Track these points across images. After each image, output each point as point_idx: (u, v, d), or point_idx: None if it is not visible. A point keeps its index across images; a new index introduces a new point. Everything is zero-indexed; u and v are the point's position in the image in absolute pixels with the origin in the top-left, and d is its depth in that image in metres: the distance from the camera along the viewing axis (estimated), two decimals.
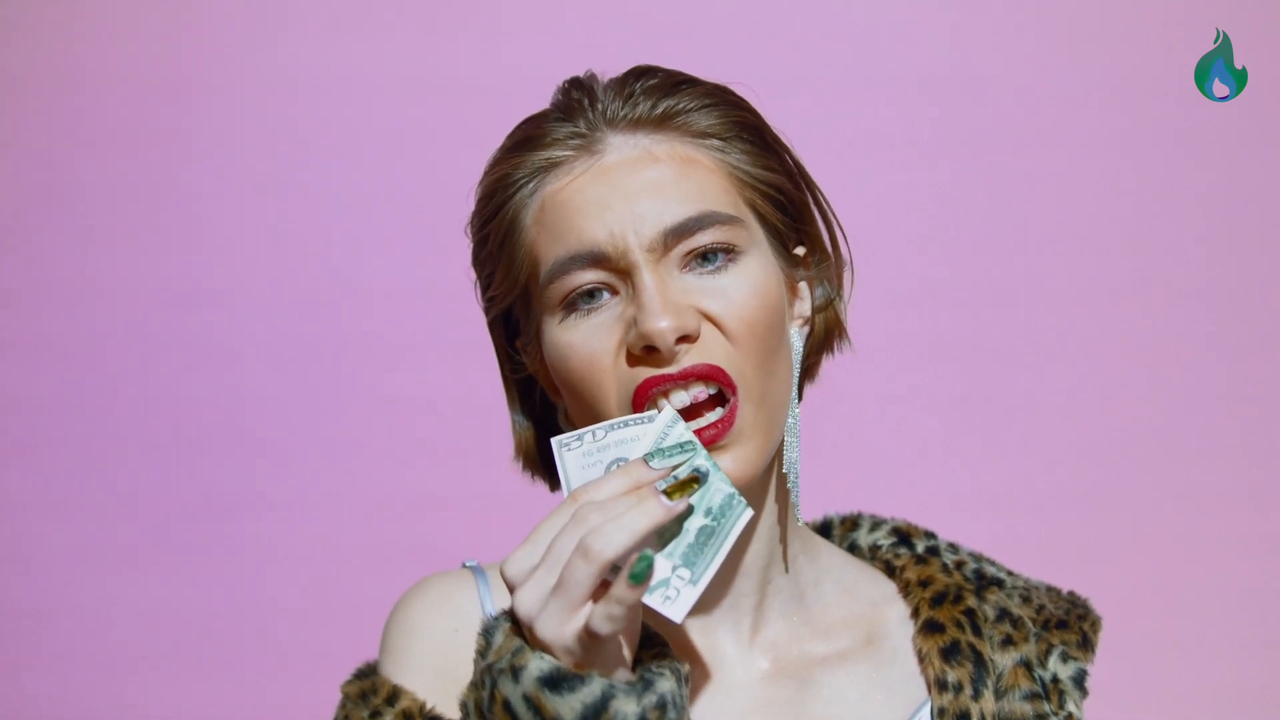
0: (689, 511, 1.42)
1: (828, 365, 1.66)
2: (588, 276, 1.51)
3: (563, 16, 2.75)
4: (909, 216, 2.76)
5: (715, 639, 1.61)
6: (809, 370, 1.64)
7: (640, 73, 1.58)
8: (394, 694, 1.54)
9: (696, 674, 1.59)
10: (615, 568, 1.37)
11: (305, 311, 2.75)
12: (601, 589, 1.38)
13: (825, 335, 1.63)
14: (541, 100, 1.61)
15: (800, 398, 1.60)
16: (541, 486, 1.67)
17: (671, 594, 1.40)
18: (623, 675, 1.39)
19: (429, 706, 1.53)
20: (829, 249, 1.63)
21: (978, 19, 2.77)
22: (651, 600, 1.40)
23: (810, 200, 1.61)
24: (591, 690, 1.36)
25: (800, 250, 1.60)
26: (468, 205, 1.62)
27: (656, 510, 1.38)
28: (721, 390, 1.50)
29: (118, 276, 2.76)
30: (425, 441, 2.73)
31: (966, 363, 2.75)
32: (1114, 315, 2.76)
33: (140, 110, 2.76)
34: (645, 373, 1.49)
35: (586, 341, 1.51)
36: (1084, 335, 2.76)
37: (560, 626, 1.37)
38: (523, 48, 2.74)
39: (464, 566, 1.63)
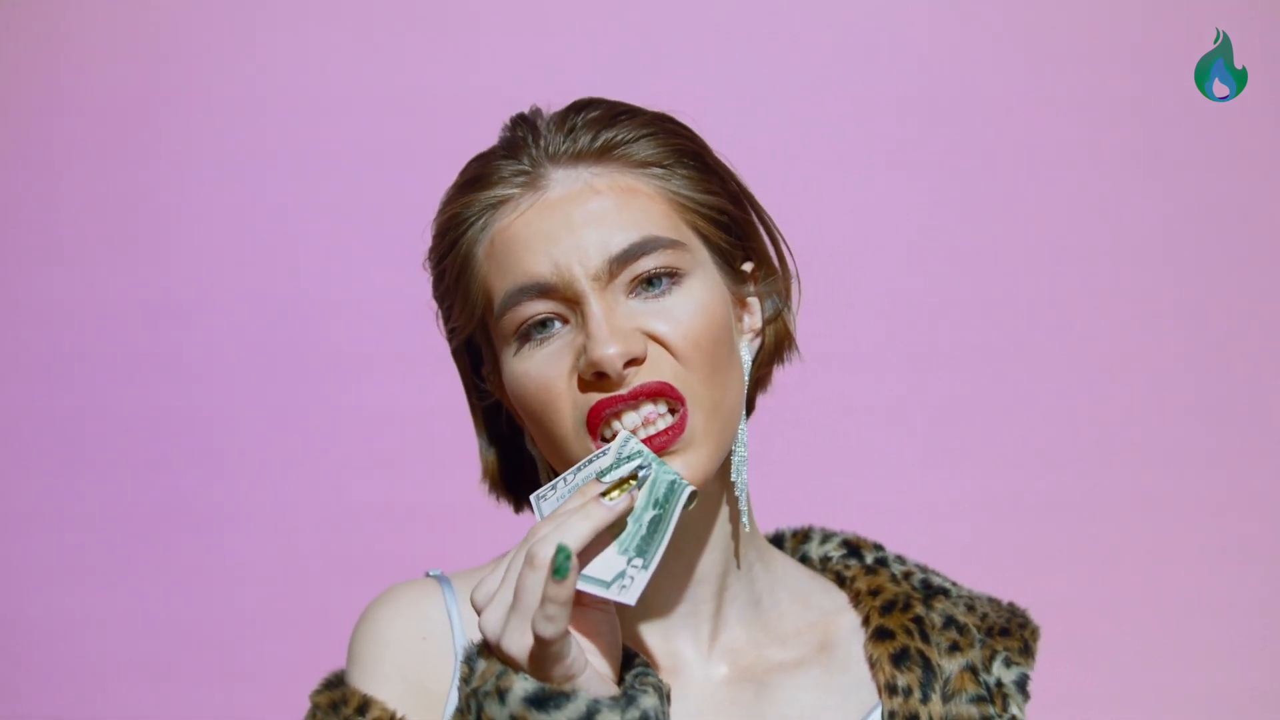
0: (631, 508, 1.48)
1: (786, 376, 1.70)
2: (538, 307, 1.57)
3: (532, 38, 2.78)
4: (899, 221, 2.78)
5: (675, 645, 1.66)
6: (760, 380, 1.69)
7: (581, 106, 1.63)
8: (364, 704, 1.59)
9: None
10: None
11: (270, 324, 2.77)
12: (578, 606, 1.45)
13: (775, 346, 1.68)
14: (506, 113, 1.66)
15: (751, 409, 1.65)
16: (498, 498, 1.73)
17: (626, 583, 1.46)
18: (606, 691, 1.44)
19: (399, 716, 1.58)
20: (775, 264, 1.67)
21: (977, 17, 2.78)
22: (610, 593, 1.46)
23: (754, 218, 1.66)
24: (576, 707, 1.42)
25: (748, 266, 1.65)
26: (432, 219, 1.67)
27: (596, 511, 1.45)
28: (671, 404, 1.55)
29: (85, 292, 2.79)
30: (389, 453, 2.76)
31: (936, 373, 2.76)
32: (1108, 319, 2.76)
33: (108, 125, 2.79)
34: (596, 396, 1.54)
35: (540, 370, 1.57)
36: (1071, 342, 2.77)
37: (522, 640, 1.43)
38: (490, 67, 2.76)
39: (428, 575, 1.68)
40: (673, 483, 1.49)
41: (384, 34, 2.78)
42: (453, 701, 1.59)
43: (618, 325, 1.54)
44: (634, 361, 1.54)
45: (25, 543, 2.80)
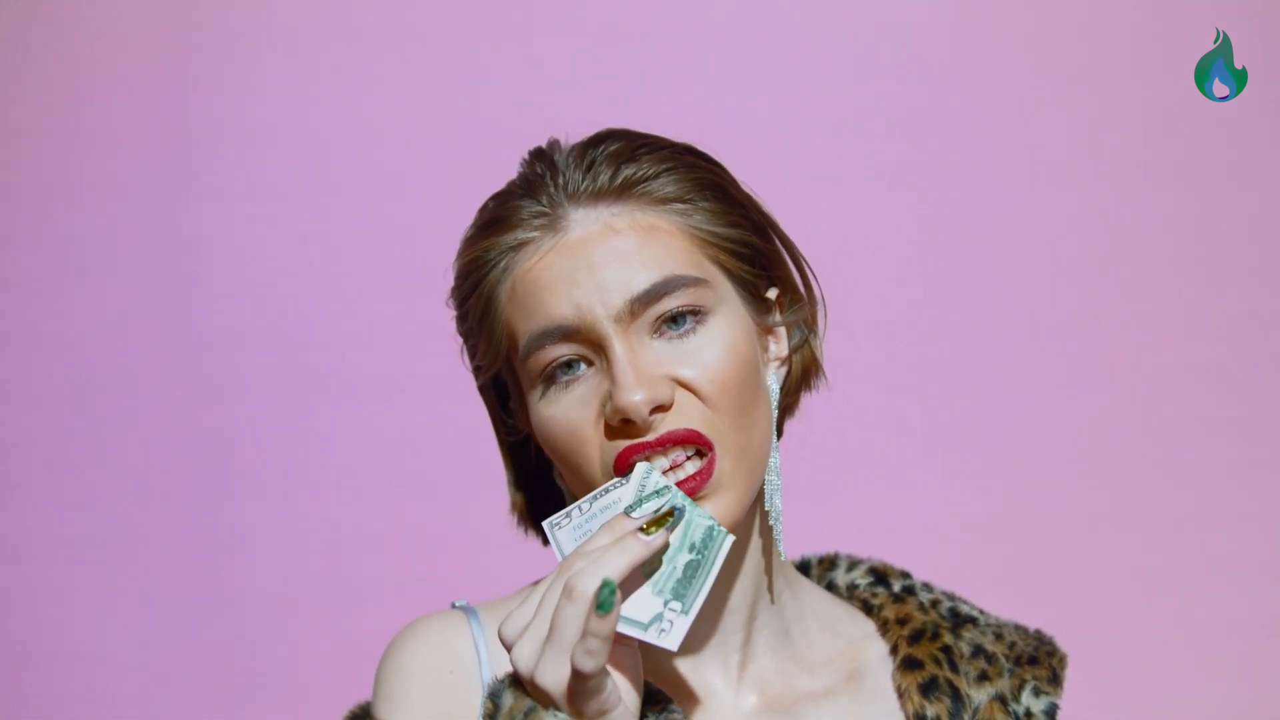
0: (666, 545, 1.48)
1: (808, 398, 1.70)
2: (561, 350, 1.56)
3: (545, 66, 2.77)
4: (905, 226, 2.77)
5: (705, 675, 1.65)
6: (789, 408, 1.68)
7: (600, 140, 1.61)
8: None
9: (688, 709, 1.64)
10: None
11: (290, 349, 2.77)
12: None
13: (802, 374, 1.67)
14: (524, 142, 1.65)
15: (780, 434, 1.64)
16: (526, 530, 1.72)
17: (665, 626, 1.46)
18: None
19: None
20: (801, 290, 1.66)
21: (977, 19, 2.77)
22: (648, 635, 1.46)
23: (779, 246, 1.65)
24: None
25: (773, 293, 1.64)
26: (454, 244, 1.66)
27: (634, 546, 1.45)
28: (699, 448, 1.54)
29: (103, 316, 2.79)
30: (410, 479, 2.75)
31: (949, 392, 2.77)
32: (1111, 325, 2.77)
33: (128, 151, 2.78)
34: (624, 443, 1.53)
35: (567, 415, 1.56)
36: (1076, 352, 2.77)
37: (557, 673, 1.43)
38: (507, 94, 2.75)
39: (453, 607, 1.67)
40: (711, 529, 1.49)
41: (410, 61, 2.77)
42: None
43: (643, 370, 1.53)
44: (660, 408, 1.53)
45: (41, 565, 2.79)
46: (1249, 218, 2.78)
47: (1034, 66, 2.77)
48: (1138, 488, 2.77)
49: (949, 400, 2.77)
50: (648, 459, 1.53)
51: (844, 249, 2.69)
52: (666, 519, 1.48)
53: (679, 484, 1.52)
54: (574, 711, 1.43)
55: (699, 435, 1.54)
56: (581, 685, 1.43)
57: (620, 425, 1.54)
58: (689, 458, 1.54)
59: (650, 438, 1.53)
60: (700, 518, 1.49)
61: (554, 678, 1.43)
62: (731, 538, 1.49)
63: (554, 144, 1.63)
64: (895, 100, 2.79)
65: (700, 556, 1.48)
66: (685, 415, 1.54)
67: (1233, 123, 2.75)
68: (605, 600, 1.41)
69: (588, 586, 1.42)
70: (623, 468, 1.54)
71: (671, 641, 1.45)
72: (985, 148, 2.78)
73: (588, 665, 1.42)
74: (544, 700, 1.44)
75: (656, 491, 1.50)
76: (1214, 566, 2.77)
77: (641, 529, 1.47)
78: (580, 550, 1.47)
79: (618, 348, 1.53)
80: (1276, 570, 2.77)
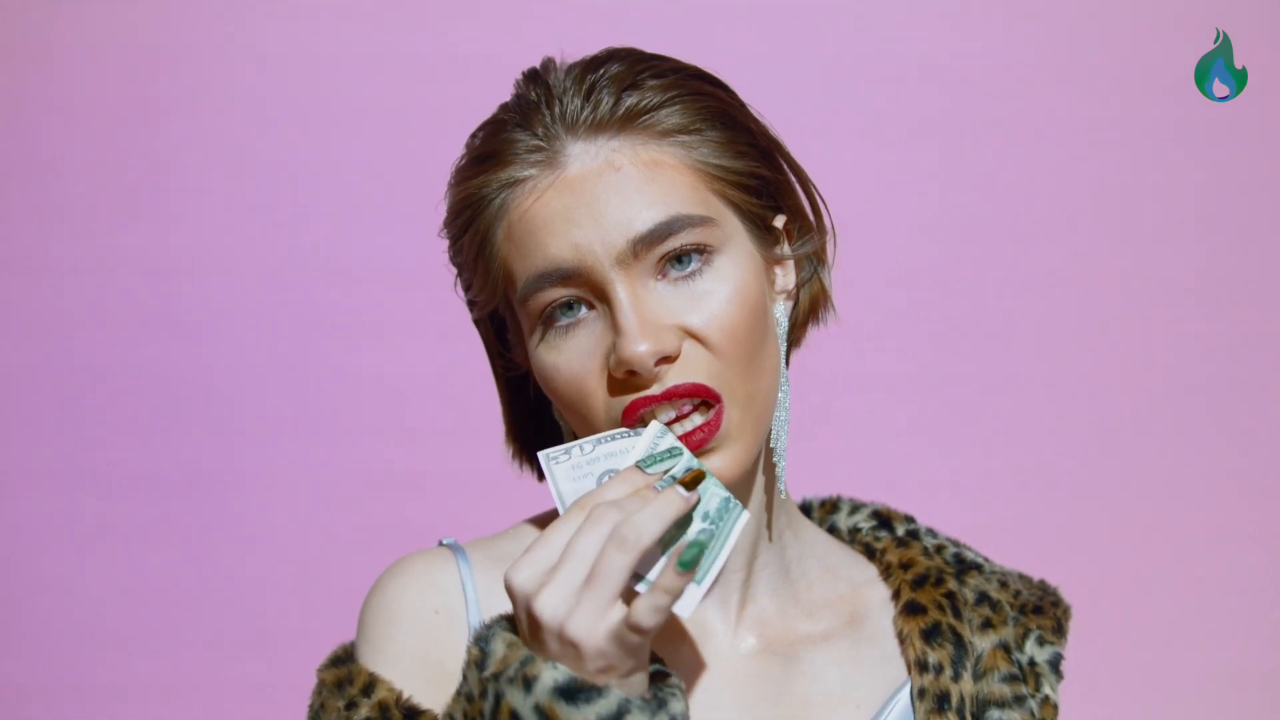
0: (697, 504, 1.44)
1: (810, 348, 1.66)
2: (560, 292, 1.50)
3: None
4: (898, 205, 2.76)
5: (703, 614, 1.60)
6: (796, 340, 1.63)
7: (600, 62, 1.55)
8: (370, 684, 1.52)
9: (685, 649, 1.59)
10: (636, 575, 1.39)
11: (283, 288, 2.75)
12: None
13: (811, 307, 1.62)
14: (512, 73, 1.59)
15: (788, 365, 1.60)
16: (521, 465, 1.67)
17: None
18: (639, 686, 1.39)
19: (405, 696, 1.51)
20: (810, 218, 1.61)
21: (977, 16, 2.77)
22: None
23: (789, 174, 1.60)
24: (608, 703, 1.36)
25: (780, 220, 1.58)
26: (445, 184, 1.61)
27: (677, 499, 1.39)
28: (706, 401, 1.50)
29: (96, 253, 2.76)
30: (404, 420, 2.72)
31: (953, 348, 2.75)
32: (1107, 309, 2.76)
33: (110, 85, 2.76)
34: (630, 397, 1.48)
35: (570, 364, 1.51)
36: (1074, 327, 2.76)
37: (596, 623, 1.36)
38: (496, 26, 2.73)
39: (441, 544, 1.61)
40: (726, 500, 1.45)
41: None
42: None
43: (647, 318, 1.48)
44: (666, 359, 1.48)
45: (33, 506, 2.76)
46: (1249, 218, 2.77)
47: (1033, 67, 2.76)
48: (1147, 453, 2.75)
49: (947, 359, 2.75)
50: (654, 415, 1.48)
51: (857, 203, 2.68)
52: (700, 479, 1.44)
53: (685, 435, 1.48)
54: (601, 667, 1.37)
55: (706, 389, 1.49)
56: (631, 641, 1.37)
57: (625, 376, 1.48)
58: (695, 408, 1.49)
59: (656, 390, 1.48)
60: (716, 488, 1.45)
61: (589, 628, 1.36)
62: (747, 514, 1.45)
63: (549, 64, 1.56)
64: (893, 100, 2.78)
65: (714, 527, 1.43)
66: (692, 368, 1.49)
67: (1233, 123, 2.74)
68: (689, 559, 1.36)
69: (640, 536, 1.36)
70: (631, 420, 1.49)
71: (684, 609, 1.40)
72: (984, 148, 2.77)
73: (650, 620, 1.36)
74: (564, 652, 1.37)
75: (669, 451, 1.46)
76: (1220, 531, 2.75)
77: (683, 484, 1.42)
78: (602, 498, 1.40)
79: (621, 293, 1.48)
80: (1262, 533, 2.76)
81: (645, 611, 1.36)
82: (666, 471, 1.45)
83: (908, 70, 2.77)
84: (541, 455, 1.48)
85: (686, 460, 1.46)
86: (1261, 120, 2.75)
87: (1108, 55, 2.76)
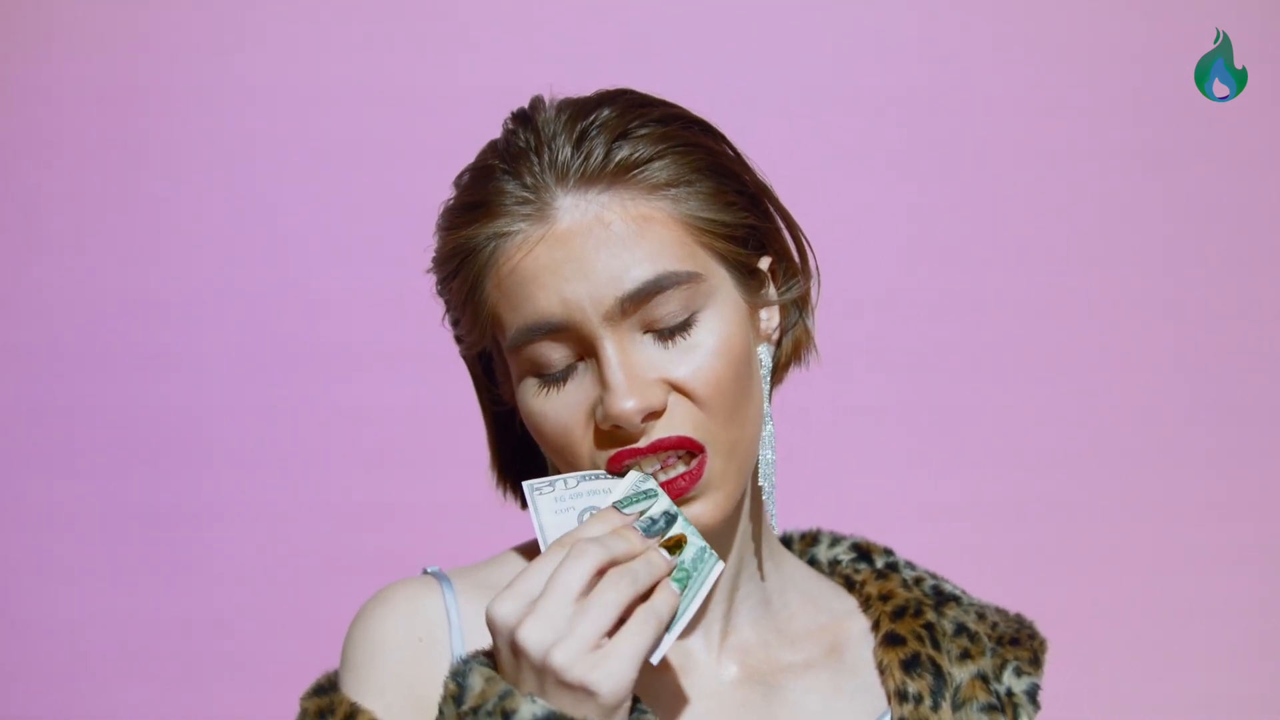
0: (673, 568, 1.47)
1: (794, 377, 1.67)
2: (548, 346, 1.51)
3: (523, 31, 2.75)
4: (899, 220, 2.76)
5: (685, 644, 1.62)
6: (778, 380, 1.64)
7: (591, 106, 1.55)
8: (352, 714, 1.53)
9: (668, 677, 1.61)
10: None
11: (259, 320, 2.75)
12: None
13: (794, 349, 1.64)
14: (498, 107, 1.59)
15: (770, 402, 1.61)
16: (505, 492, 1.69)
17: None
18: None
19: None
20: (796, 260, 1.62)
21: (977, 17, 2.76)
22: None
23: (776, 220, 1.61)
24: None
25: (765, 262, 1.59)
26: (428, 216, 1.61)
27: (660, 563, 1.45)
28: (689, 451, 1.52)
29: (73, 286, 2.77)
30: (381, 450, 2.73)
31: (937, 374, 2.76)
32: (1105, 320, 2.76)
33: (98, 118, 2.76)
34: (613, 450, 1.50)
35: (557, 415, 1.52)
36: (1067, 343, 2.76)
37: (584, 655, 1.39)
38: (481, 60, 2.73)
39: (425, 573, 1.62)
40: (703, 550, 1.48)
41: (373, 27, 2.75)
42: None
43: (634, 374, 1.49)
44: (653, 414, 1.50)
45: (12, 540, 2.77)
46: (1249, 218, 2.77)
47: (1033, 67, 2.76)
48: (1125, 476, 2.76)
49: (932, 385, 2.76)
50: (639, 466, 1.50)
51: (839, 230, 2.67)
52: (681, 543, 1.47)
53: (667, 483, 1.50)
54: (580, 700, 1.39)
55: (691, 441, 1.51)
56: (626, 672, 1.41)
57: (611, 430, 1.50)
58: (679, 458, 1.51)
59: (642, 444, 1.50)
60: (694, 537, 1.47)
61: (576, 658, 1.39)
62: (721, 564, 1.47)
63: (538, 103, 1.56)
64: (892, 100, 2.78)
65: (688, 575, 1.46)
66: (677, 422, 1.51)
67: (1233, 123, 2.74)
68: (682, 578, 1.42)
69: (638, 578, 1.42)
70: (616, 470, 1.51)
71: (654, 655, 1.43)
72: (983, 149, 2.77)
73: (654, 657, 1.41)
74: (545, 687, 1.39)
75: (645, 493, 1.49)
76: (1198, 554, 2.76)
77: (665, 547, 1.46)
78: (583, 535, 1.44)
79: (609, 349, 1.49)
80: (1253, 556, 2.76)
81: (638, 634, 1.40)
82: (643, 512, 1.47)
83: (900, 72, 2.77)
84: (526, 485, 1.50)
85: (664, 503, 1.48)
86: (1261, 120, 2.75)
87: (1107, 56, 2.76)
